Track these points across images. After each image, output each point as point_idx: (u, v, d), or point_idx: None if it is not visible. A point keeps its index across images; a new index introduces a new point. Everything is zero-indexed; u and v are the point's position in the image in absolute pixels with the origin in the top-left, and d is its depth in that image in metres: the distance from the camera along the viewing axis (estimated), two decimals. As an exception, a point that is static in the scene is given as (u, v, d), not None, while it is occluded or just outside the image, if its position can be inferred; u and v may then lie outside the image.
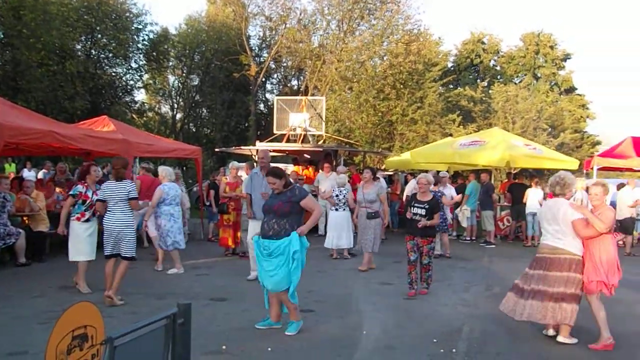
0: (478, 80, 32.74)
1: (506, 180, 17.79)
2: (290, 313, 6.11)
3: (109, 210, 7.18)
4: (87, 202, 7.59)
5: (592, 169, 15.57)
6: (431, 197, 8.31)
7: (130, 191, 7.21)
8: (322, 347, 5.67)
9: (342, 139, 21.00)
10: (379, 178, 11.90)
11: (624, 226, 13.64)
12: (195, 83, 30.31)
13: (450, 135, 21.84)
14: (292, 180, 6.57)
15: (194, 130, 31.65)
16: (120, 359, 2.33)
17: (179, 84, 30.39)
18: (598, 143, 35.04)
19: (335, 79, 23.69)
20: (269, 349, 5.51)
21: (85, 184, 7.72)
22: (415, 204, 8.21)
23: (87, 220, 7.62)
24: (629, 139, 16.36)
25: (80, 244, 7.60)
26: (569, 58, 37.37)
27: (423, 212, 8.06)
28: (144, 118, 30.75)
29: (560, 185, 6.15)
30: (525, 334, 6.36)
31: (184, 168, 24.74)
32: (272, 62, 28.22)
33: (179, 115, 31.28)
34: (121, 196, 7.15)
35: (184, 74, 29.74)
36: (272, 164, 8.73)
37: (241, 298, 7.65)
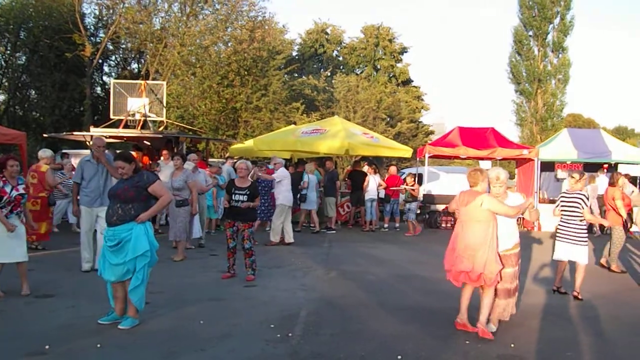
0: (321, 70, 33.58)
1: (349, 168, 18.42)
2: (130, 308, 5.84)
3: None
4: (5, 198, 6.78)
5: (424, 156, 16.62)
6: (250, 183, 8.47)
7: None
8: (156, 340, 5.44)
9: (185, 125, 20.39)
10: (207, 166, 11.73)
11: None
12: (22, 62, 27.73)
13: (294, 123, 22.16)
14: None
15: (20, 113, 28.94)
16: None
17: (3, 63, 27.60)
18: (431, 132, 37.58)
19: (178, 64, 22.91)
20: (98, 345, 5.19)
21: (4, 179, 6.84)
22: (236, 191, 8.29)
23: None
24: (457, 129, 17.70)
25: None
26: (406, 51, 39.62)
27: (244, 198, 8.20)
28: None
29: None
30: (360, 314, 6.60)
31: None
32: (109, 44, 26.58)
33: (2, 97, 28.47)
34: None
35: (8, 52, 27.04)
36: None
37: (70, 293, 7.15)
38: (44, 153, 10.63)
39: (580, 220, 7.64)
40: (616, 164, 17.21)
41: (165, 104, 17.46)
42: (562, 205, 7.85)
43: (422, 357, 5.18)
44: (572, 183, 7.87)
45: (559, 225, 7.85)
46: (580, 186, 7.76)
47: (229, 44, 23.86)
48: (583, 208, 7.54)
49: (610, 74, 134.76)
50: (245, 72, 23.18)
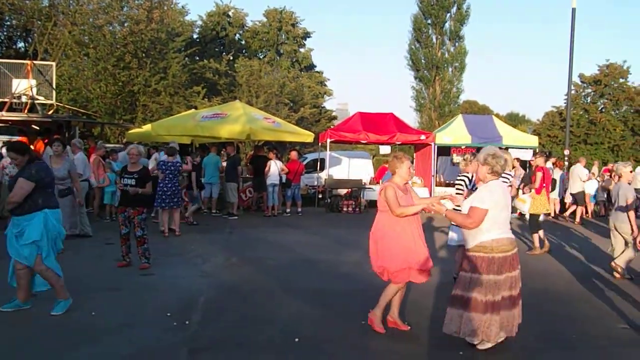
0: (223, 54, 32.94)
1: (251, 153, 18.29)
2: (56, 291, 5.83)
3: None
4: None
5: (326, 141, 16.81)
6: (141, 167, 8.27)
7: None
8: (51, 333, 5.25)
9: (78, 109, 19.34)
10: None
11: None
12: None
13: (195, 107, 21.63)
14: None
15: None
16: None
17: None
18: (334, 118, 38.00)
19: (70, 44, 21.67)
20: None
21: None
22: (126, 175, 8.10)
23: None
24: (358, 114, 18.04)
25: None
26: (309, 36, 39.75)
27: (133, 182, 7.99)
28: None
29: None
30: (260, 299, 6.59)
31: None
32: (-9, 20, 24.72)
33: None
34: None
35: None
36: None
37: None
38: None
39: None
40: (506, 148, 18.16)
41: (55, 86, 16.49)
42: (456, 188, 7.83)
43: (320, 340, 5.24)
44: (462, 165, 7.87)
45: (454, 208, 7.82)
46: (471, 168, 7.81)
47: (125, 24, 22.84)
48: (464, 190, 7.35)
49: (504, 63, 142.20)
50: (143, 54, 22.28)
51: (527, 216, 10.96)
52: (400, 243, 5.25)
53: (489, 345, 4.82)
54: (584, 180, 15.70)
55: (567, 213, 16.18)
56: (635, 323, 5.78)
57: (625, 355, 5.08)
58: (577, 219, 15.20)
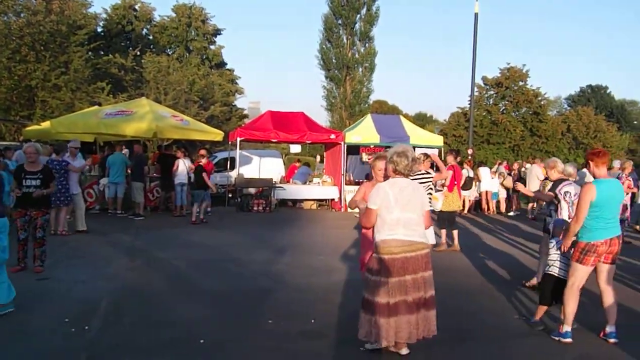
0: (130, 49, 31.83)
1: (155, 152, 17.82)
2: None
3: None
4: None
5: (236, 140, 16.64)
6: (43, 166, 7.92)
7: None
8: None
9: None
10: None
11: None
12: None
13: (99, 104, 20.74)
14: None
15: None
16: None
17: None
18: (245, 116, 37.72)
19: (-42, 34, 20.18)
20: None
21: None
22: (27, 176, 7.68)
23: None
24: (268, 113, 18.01)
25: None
26: (219, 33, 39.19)
27: (38, 182, 7.65)
28: None
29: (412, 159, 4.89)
30: (165, 301, 6.43)
31: None
32: None
33: None
34: None
35: None
36: None
37: None
38: None
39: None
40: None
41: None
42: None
43: (226, 340, 5.17)
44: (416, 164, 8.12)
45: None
46: (423, 166, 7.96)
47: (22, 15, 21.53)
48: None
49: (413, 64, 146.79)
50: (42, 47, 21.08)
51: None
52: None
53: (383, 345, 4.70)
54: (541, 179, 16.58)
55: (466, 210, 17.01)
56: (528, 314, 6.10)
57: (519, 344, 5.35)
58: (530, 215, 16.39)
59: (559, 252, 5.58)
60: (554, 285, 5.58)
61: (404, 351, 4.76)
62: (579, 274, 5.31)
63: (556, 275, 5.59)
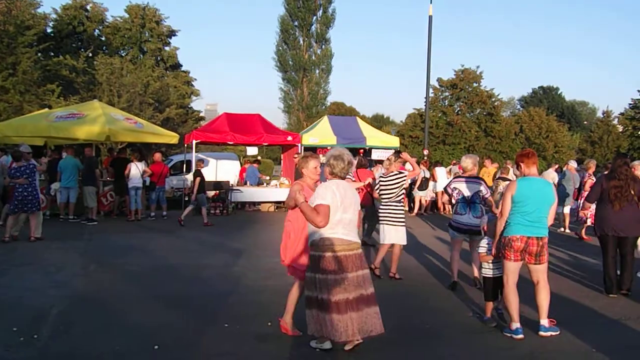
0: (81, 50, 31.10)
1: (108, 156, 17.46)
2: None
3: None
4: None
5: (192, 142, 16.44)
6: None
7: None
8: None
9: None
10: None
11: None
12: None
13: (49, 107, 20.21)
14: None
15: None
16: None
17: None
18: (202, 119, 37.34)
19: None
20: None
21: None
22: None
23: None
24: (224, 115, 17.85)
25: None
26: (174, 35, 38.67)
27: None
28: None
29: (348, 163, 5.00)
30: (118, 308, 6.30)
31: None
32: None
33: None
34: None
35: None
36: None
37: None
38: None
39: (398, 202, 7.94)
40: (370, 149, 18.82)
41: None
42: (381, 188, 8.04)
43: (181, 346, 5.10)
44: (387, 165, 8.14)
45: (382, 208, 7.98)
46: (394, 167, 8.05)
47: (-34, 15, 20.85)
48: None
49: (370, 66, 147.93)
50: (-13, 48, 20.47)
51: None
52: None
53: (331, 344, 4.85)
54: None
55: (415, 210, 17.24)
56: (479, 312, 6.21)
57: (473, 341, 5.44)
58: None
59: (489, 252, 5.74)
60: (494, 283, 5.77)
61: (347, 347, 4.87)
62: (508, 270, 5.52)
63: (491, 276, 5.77)
